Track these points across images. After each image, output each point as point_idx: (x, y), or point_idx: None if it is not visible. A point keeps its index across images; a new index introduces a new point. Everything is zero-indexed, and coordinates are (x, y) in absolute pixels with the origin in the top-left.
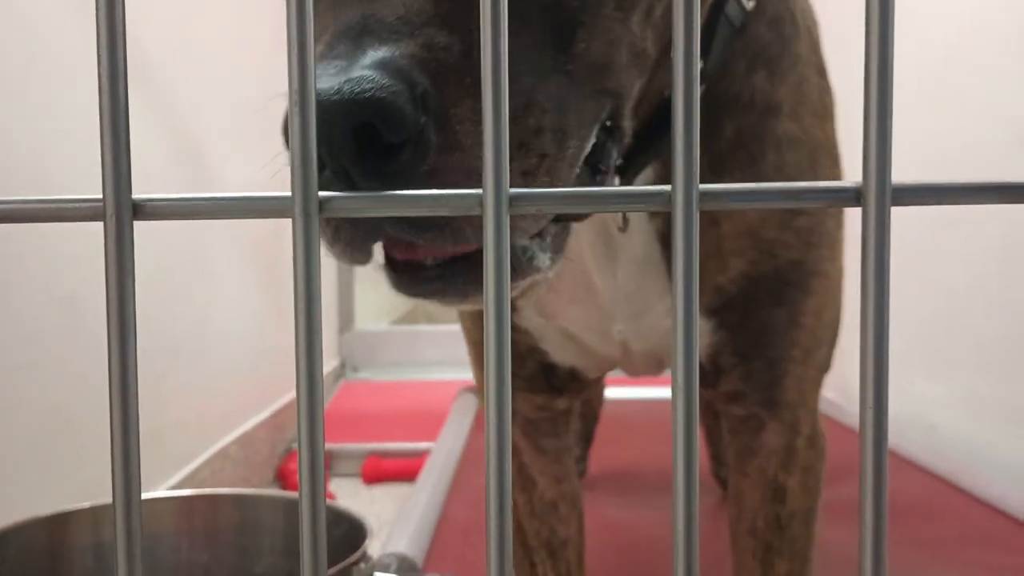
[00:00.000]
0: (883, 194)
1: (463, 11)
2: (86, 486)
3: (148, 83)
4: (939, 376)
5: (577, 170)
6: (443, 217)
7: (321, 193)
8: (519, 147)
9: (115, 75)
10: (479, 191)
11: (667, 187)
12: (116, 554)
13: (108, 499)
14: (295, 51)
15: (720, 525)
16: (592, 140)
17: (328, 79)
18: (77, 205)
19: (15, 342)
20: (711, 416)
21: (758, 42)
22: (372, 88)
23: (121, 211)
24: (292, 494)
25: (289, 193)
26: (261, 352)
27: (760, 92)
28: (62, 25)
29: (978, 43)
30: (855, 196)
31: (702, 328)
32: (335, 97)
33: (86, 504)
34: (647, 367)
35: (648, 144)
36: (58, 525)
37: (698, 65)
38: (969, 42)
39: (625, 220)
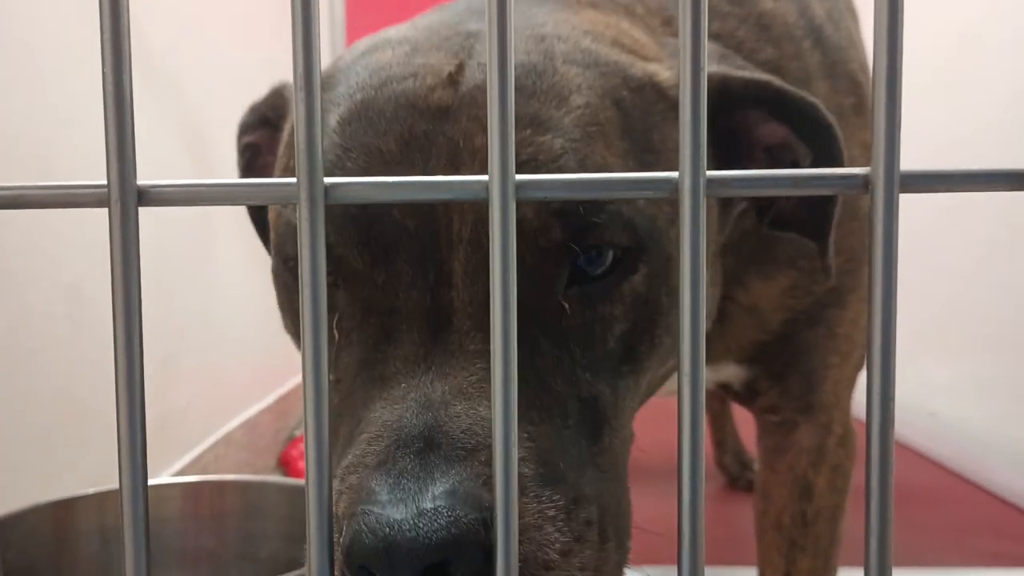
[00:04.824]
0: (891, 181)
1: (522, 421)
2: (92, 472)
3: (152, 70)
4: (944, 363)
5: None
6: None
7: (326, 179)
8: (577, 540)
9: (119, 61)
10: (485, 177)
11: (674, 174)
12: (123, 539)
13: (114, 484)
14: (300, 38)
15: (724, 510)
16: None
17: (398, 507)
18: (82, 191)
19: (21, 329)
20: (716, 402)
21: None
22: (448, 525)
23: (126, 197)
24: (298, 481)
25: (294, 179)
26: (266, 338)
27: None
28: (66, 12)
29: (989, 29)
30: (863, 183)
31: (738, 370)
32: (411, 534)
33: (92, 490)
34: (665, 394)
35: None
36: (64, 511)
37: (705, 55)
38: (980, 28)
39: None
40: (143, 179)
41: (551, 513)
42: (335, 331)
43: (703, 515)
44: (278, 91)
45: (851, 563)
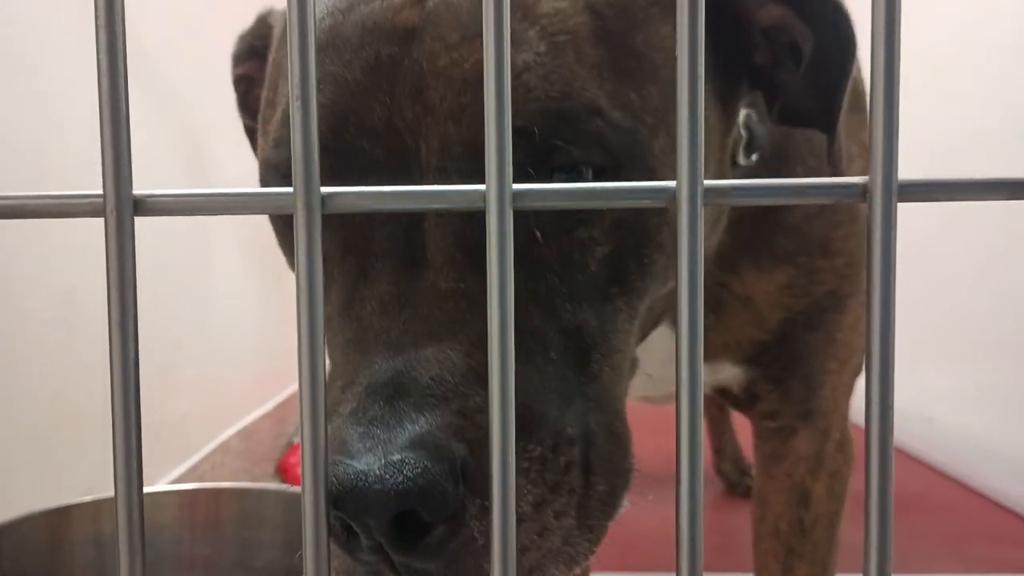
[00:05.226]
0: (889, 190)
1: None
2: (88, 479)
3: (149, 79)
4: (942, 370)
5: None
6: None
7: (323, 189)
8: (552, 489)
9: (115, 69)
10: (482, 187)
11: (672, 183)
12: (117, 547)
13: (109, 492)
14: (296, 47)
15: (722, 517)
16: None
17: (366, 458)
18: (78, 201)
19: (16, 336)
20: (714, 408)
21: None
22: (415, 476)
23: (122, 207)
24: (295, 488)
25: (291, 188)
26: (263, 346)
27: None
28: (61, 20)
29: (983, 37)
30: (861, 192)
31: (737, 372)
32: (377, 487)
33: (87, 498)
34: (666, 403)
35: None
36: (59, 519)
37: (702, 59)
38: (974, 36)
39: (635, 360)
40: (139, 188)
41: (524, 465)
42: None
43: (702, 522)
44: (263, 18)
45: (848, 570)
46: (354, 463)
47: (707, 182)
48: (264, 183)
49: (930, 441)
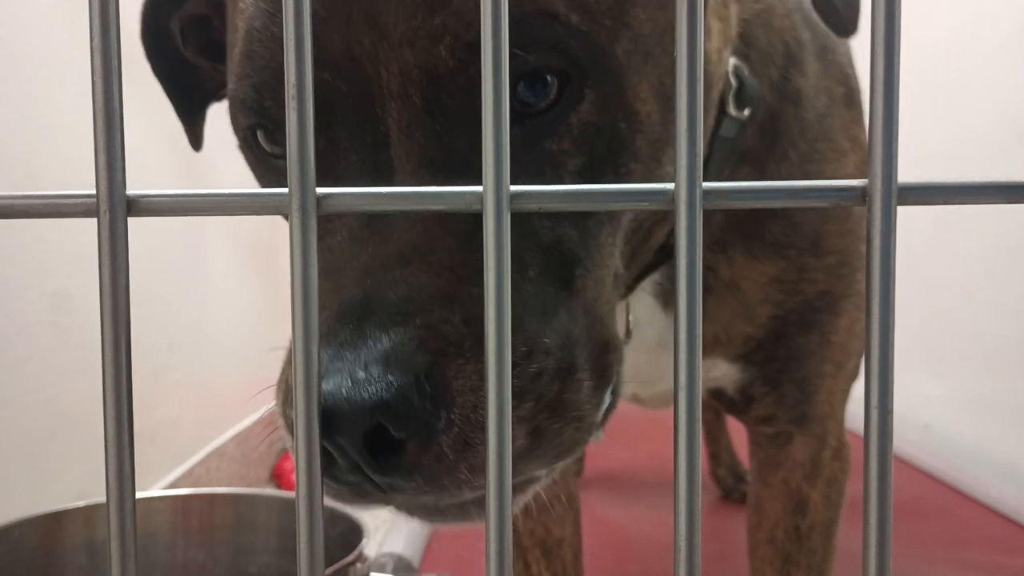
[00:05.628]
0: (889, 193)
1: (462, 282)
2: (80, 484)
3: (143, 79)
4: (938, 375)
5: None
6: (451, 503)
7: (319, 189)
8: (517, 395)
9: (108, 67)
10: (479, 188)
11: (670, 185)
12: (109, 554)
13: (103, 497)
14: (292, 47)
15: (718, 523)
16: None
17: (335, 378)
18: (70, 201)
19: (6, 338)
20: (710, 414)
21: (744, 143)
22: (380, 391)
23: (114, 207)
24: (289, 493)
25: (286, 189)
26: (258, 350)
27: (745, 179)
28: (53, 17)
29: (976, 42)
30: (860, 195)
31: (731, 370)
32: (345, 405)
33: (80, 503)
34: (659, 407)
35: (644, 273)
36: (51, 524)
37: (701, 62)
38: (967, 41)
39: (628, 333)
40: (132, 189)
41: None
42: None
43: (699, 528)
44: None
45: None
46: (323, 385)
47: (706, 184)
48: (232, 118)
49: (926, 447)
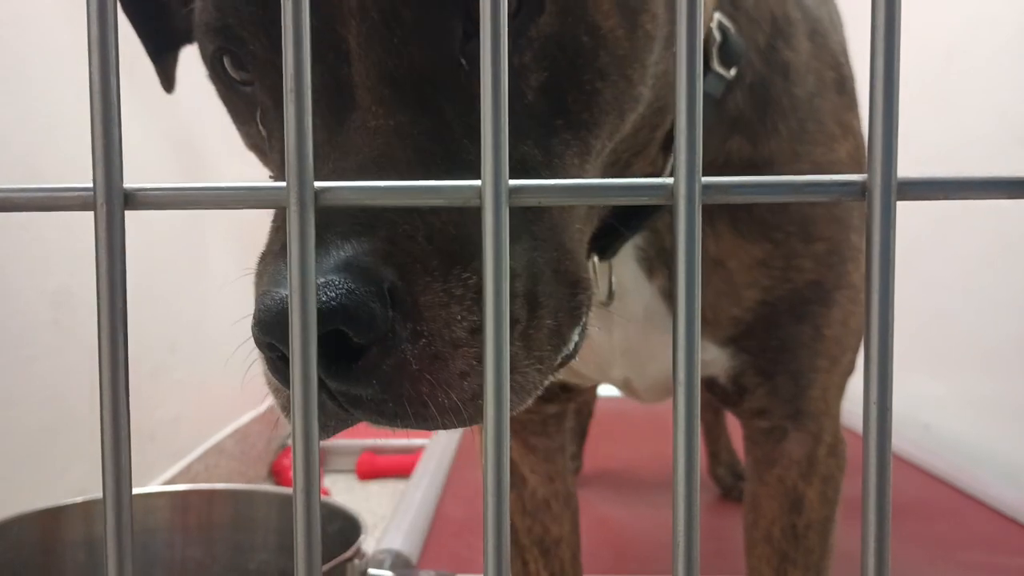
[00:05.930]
0: (889, 188)
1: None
2: (80, 480)
3: (141, 74)
4: (938, 374)
5: (558, 349)
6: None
7: (316, 184)
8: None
9: (106, 60)
10: (477, 182)
11: (669, 180)
12: (105, 550)
13: (100, 494)
14: (290, 41)
15: (717, 522)
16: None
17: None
18: (67, 194)
19: (6, 336)
20: (710, 413)
21: (735, 109)
22: (340, 295)
23: (112, 200)
24: (287, 490)
25: (284, 183)
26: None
27: (737, 153)
28: (55, 19)
29: (976, 44)
30: (860, 190)
31: (722, 356)
32: None
33: (78, 499)
34: (653, 398)
35: (629, 225)
36: (51, 520)
37: (701, 58)
38: (967, 43)
39: (611, 295)
40: (130, 183)
41: (458, 292)
42: (261, 127)
43: (698, 527)
44: None
45: None
46: (280, 290)
47: (705, 179)
48: (200, 46)
49: (925, 447)
